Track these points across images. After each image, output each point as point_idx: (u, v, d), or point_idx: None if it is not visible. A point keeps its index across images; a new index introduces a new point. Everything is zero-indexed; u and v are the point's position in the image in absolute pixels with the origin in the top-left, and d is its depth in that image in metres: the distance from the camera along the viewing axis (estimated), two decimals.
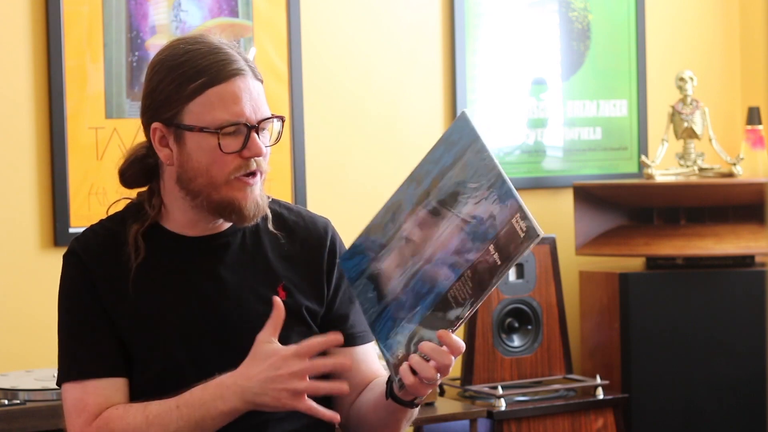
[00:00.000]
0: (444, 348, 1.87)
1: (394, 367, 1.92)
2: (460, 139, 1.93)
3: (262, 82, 2.03)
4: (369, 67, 4.02)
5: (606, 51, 4.42)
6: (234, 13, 3.76)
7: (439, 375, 1.89)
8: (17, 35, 3.48)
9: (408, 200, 1.95)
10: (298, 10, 3.86)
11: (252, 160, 1.99)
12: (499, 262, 1.85)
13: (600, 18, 4.41)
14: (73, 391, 2.01)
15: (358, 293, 1.99)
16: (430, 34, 4.12)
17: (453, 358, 1.88)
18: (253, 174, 2.00)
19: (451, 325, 1.87)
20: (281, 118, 2.05)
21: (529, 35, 4.28)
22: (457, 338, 1.87)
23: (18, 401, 3.01)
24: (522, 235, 1.83)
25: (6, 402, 3.00)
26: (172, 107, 1.98)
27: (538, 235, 1.82)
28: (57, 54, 3.50)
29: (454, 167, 1.92)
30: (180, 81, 1.98)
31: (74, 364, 2.02)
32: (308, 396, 1.93)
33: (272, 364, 1.91)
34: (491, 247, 1.85)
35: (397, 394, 1.97)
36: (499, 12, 4.23)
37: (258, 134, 1.99)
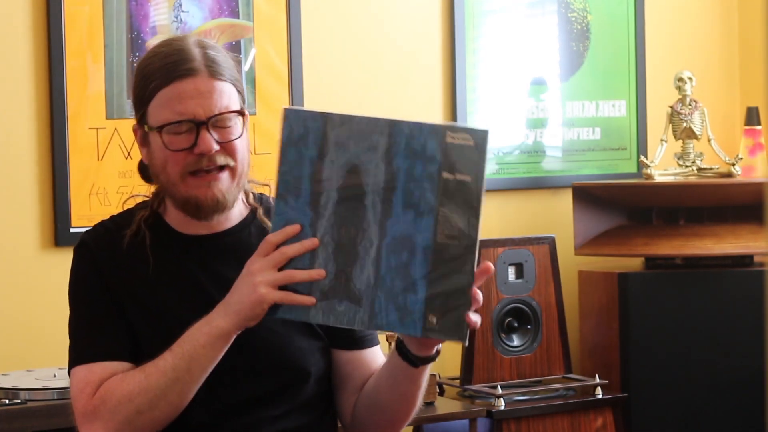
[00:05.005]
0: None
1: (439, 332, 1.83)
2: (307, 131, 1.84)
3: (230, 82, 2.04)
4: (369, 68, 4.03)
5: (605, 51, 4.43)
6: (234, 13, 3.76)
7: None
8: (18, 35, 3.49)
9: (299, 216, 1.86)
10: (298, 11, 3.86)
11: (204, 157, 2.01)
12: (469, 179, 1.79)
13: (599, 18, 4.42)
14: (79, 372, 2.03)
15: (325, 318, 1.87)
16: (430, 34, 4.13)
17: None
18: (208, 171, 2.02)
19: (470, 255, 1.80)
20: (239, 113, 2.05)
21: (528, 36, 4.29)
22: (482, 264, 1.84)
23: (18, 401, 3.02)
24: (471, 143, 1.79)
25: (6, 401, 3.00)
26: (140, 109, 2.06)
27: (486, 131, 1.78)
28: (58, 54, 3.51)
29: (326, 155, 1.84)
30: (143, 84, 2.06)
31: (84, 348, 2.04)
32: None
33: (244, 272, 1.92)
34: (445, 174, 1.80)
35: (419, 355, 1.94)
36: (499, 12, 4.23)
37: (211, 131, 2.01)
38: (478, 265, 1.83)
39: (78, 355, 2.05)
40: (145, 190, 2.17)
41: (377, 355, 2.15)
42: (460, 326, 1.83)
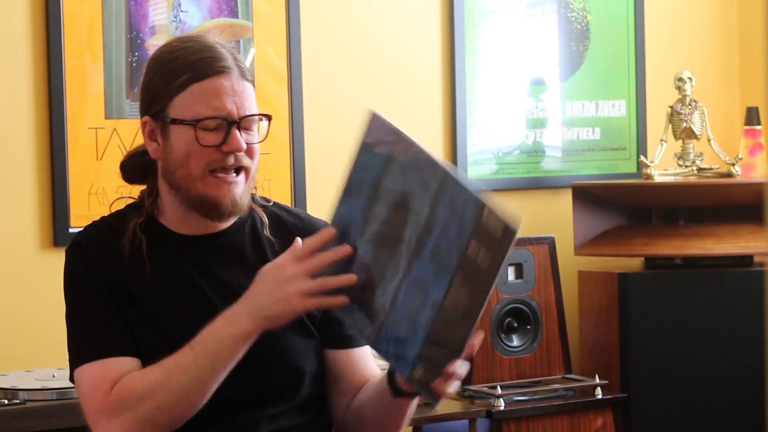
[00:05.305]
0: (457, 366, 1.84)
1: (418, 385, 1.85)
2: (382, 142, 1.86)
3: (252, 83, 2.07)
4: (369, 67, 4.02)
5: (605, 51, 4.43)
6: (234, 13, 3.76)
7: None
8: (17, 35, 3.49)
9: (354, 215, 1.88)
10: (297, 10, 3.86)
11: (231, 155, 2.01)
12: (486, 265, 1.75)
13: (599, 18, 4.41)
14: (90, 369, 2.01)
15: (342, 315, 1.94)
16: (430, 34, 4.13)
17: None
18: (229, 169, 2.03)
19: (467, 331, 1.80)
20: (268, 117, 2.07)
21: (528, 36, 4.29)
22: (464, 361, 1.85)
23: (18, 401, 3.01)
24: (498, 235, 1.73)
25: (6, 402, 3.00)
26: (160, 101, 2.04)
27: (515, 230, 1.71)
28: (57, 54, 3.51)
29: (389, 171, 1.85)
30: (168, 76, 2.03)
31: (91, 345, 2.02)
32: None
33: (274, 275, 1.92)
34: (472, 247, 1.77)
35: (402, 389, 1.96)
36: (499, 12, 4.23)
37: (240, 131, 2.02)
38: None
39: (84, 353, 2.03)
40: (130, 191, 2.17)
41: (366, 355, 2.16)
42: (436, 391, 1.85)
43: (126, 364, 2.00)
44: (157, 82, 2.05)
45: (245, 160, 2.04)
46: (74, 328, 2.07)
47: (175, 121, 2.02)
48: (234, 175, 2.03)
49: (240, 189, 2.04)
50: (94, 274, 2.05)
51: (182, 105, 2.02)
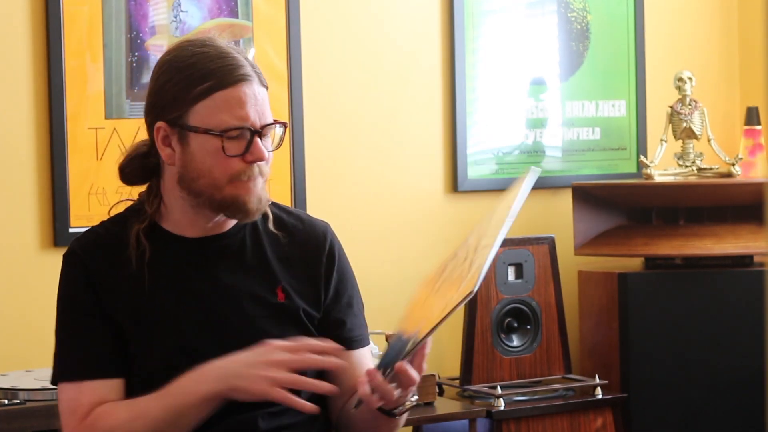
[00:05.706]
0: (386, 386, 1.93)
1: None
2: (508, 192, 2.00)
3: (267, 88, 2.06)
4: (369, 68, 4.02)
5: (605, 51, 4.43)
6: (234, 13, 3.76)
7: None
8: (17, 35, 3.49)
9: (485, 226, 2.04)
10: (297, 11, 3.86)
11: (255, 165, 2.01)
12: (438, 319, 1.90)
13: (599, 18, 4.41)
14: (68, 391, 2.04)
15: None
16: (430, 34, 4.13)
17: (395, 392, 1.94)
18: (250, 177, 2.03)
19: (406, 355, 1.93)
20: (284, 124, 2.07)
21: (528, 36, 4.29)
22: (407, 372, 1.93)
23: (18, 401, 3.01)
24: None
25: (6, 402, 3.00)
26: (178, 108, 2.01)
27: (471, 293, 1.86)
28: (57, 54, 3.51)
29: (493, 216, 2.01)
30: (187, 83, 2.01)
31: (70, 364, 2.04)
32: (292, 390, 1.96)
33: (259, 350, 1.94)
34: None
35: (383, 408, 2.00)
36: (499, 12, 4.23)
37: (261, 139, 2.01)
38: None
39: (65, 371, 2.05)
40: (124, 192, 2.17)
41: (365, 356, 2.17)
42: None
43: (101, 388, 2.01)
44: (172, 87, 2.02)
45: (265, 168, 2.04)
46: (60, 340, 2.08)
47: (198, 130, 2.00)
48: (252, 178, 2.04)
49: (260, 185, 2.04)
50: (86, 285, 2.05)
51: (205, 113, 2.00)
